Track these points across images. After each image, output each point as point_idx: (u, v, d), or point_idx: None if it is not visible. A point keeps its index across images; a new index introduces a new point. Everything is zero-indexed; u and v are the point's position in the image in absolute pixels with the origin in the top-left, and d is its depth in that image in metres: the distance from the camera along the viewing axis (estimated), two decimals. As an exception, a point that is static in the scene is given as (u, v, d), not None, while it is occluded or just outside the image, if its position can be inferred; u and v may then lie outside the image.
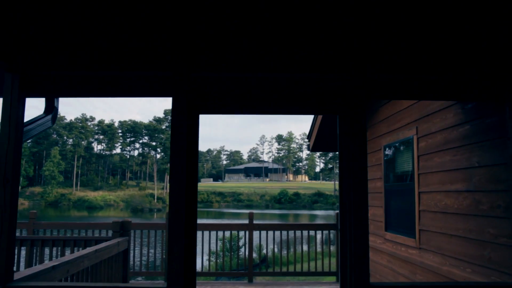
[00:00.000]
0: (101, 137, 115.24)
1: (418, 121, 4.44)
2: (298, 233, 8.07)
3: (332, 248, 8.25)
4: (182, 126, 2.59)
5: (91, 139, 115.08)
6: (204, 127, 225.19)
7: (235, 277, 8.55)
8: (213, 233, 8.07)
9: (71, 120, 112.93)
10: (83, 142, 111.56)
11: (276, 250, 14.42)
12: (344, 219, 2.58)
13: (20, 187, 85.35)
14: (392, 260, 5.41)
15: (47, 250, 5.58)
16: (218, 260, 12.56)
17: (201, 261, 8.17)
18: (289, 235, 7.93)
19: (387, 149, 5.41)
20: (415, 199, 4.43)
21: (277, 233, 8.19)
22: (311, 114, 2.74)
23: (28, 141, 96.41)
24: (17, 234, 8.15)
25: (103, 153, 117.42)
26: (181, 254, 2.47)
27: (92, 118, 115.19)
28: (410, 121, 4.61)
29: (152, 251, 8.01)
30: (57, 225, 8.20)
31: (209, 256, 7.91)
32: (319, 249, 8.11)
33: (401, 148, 4.97)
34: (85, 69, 2.64)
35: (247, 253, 8.02)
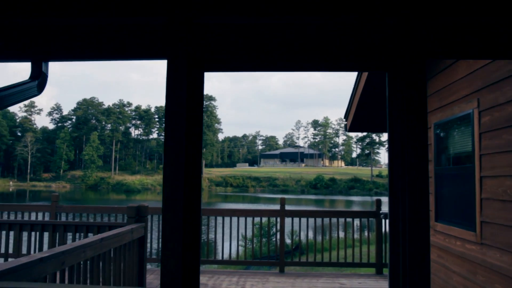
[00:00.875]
0: (138, 122, 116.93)
1: (481, 92, 3.68)
2: (334, 220, 7.41)
3: (371, 237, 7.55)
4: (182, 88, 1.99)
5: (128, 124, 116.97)
6: (239, 112, 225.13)
7: (265, 265, 8.02)
8: (242, 219, 7.51)
9: (109, 105, 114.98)
10: (121, 127, 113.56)
11: (310, 236, 13.80)
12: (395, 209, 1.92)
13: (61, 171, 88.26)
14: (443, 256, 4.70)
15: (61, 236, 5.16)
16: (247, 247, 12.07)
17: (229, 248, 7.66)
18: (324, 222, 7.27)
19: (438, 127, 4.66)
20: (475, 185, 3.69)
21: (311, 220, 7.56)
22: (348, 70, 2.07)
23: (69, 127, 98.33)
24: (40, 217, 7.85)
25: (141, 138, 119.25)
26: (178, 251, 1.89)
27: (129, 104, 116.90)
28: (469, 92, 3.85)
29: None
30: (79, 209, 7.84)
31: (237, 243, 7.37)
32: (356, 238, 7.44)
33: (457, 125, 4.22)
34: (57, 15, 2.07)
35: (278, 240, 7.45)
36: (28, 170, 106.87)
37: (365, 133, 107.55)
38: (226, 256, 8.48)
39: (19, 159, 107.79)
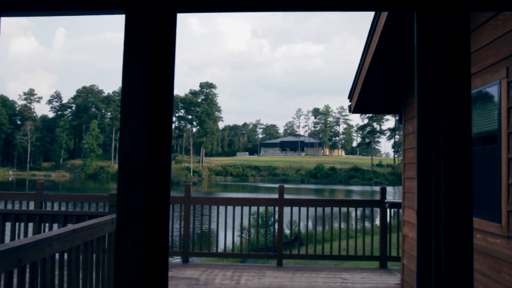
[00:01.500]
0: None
1: (510, 59, 3.18)
2: (335, 210, 6.95)
3: (375, 228, 7.09)
4: (145, 42, 1.51)
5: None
6: (239, 100, 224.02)
7: (262, 258, 7.57)
8: (238, 208, 7.05)
9: (108, 93, 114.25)
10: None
11: (310, 227, 13.35)
12: (426, 195, 1.43)
13: (61, 160, 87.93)
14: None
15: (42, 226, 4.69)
16: (243, 238, 11.63)
17: (224, 240, 7.21)
18: (325, 212, 6.80)
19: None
20: (501, 167, 3.19)
21: (311, 209, 7.09)
22: (364, 9, 1.55)
23: (69, 115, 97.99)
24: (24, 207, 7.39)
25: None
26: (137, 249, 1.42)
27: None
28: (496, 60, 3.34)
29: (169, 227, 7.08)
30: (66, 197, 7.38)
31: (233, 234, 6.91)
32: (359, 229, 6.98)
33: (480, 99, 3.73)
34: None
35: (276, 231, 7.00)
36: (28, 159, 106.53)
37: (366, 121, 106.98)
38: (221, 248, 8.03)
39: (19, 148, 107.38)
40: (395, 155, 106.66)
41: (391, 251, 6.81)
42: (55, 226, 4.46)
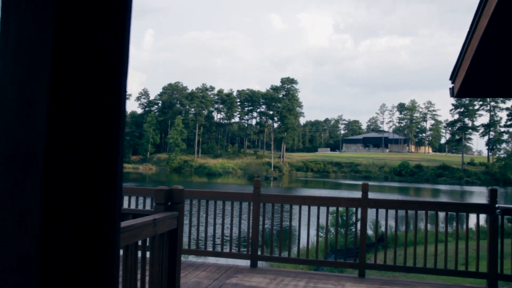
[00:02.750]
0: (221, 106, 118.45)
1: None
2: (431, 214, 5.80)
3: (482, 239, 5.82)
4: None
5: (211, 108, 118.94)
6: (321, 96, 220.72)
7: (341, 267, 6.58)
8: (314, 208, 6.14)
9: (192, 90, 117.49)
10: (204, 111, 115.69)
11: (400, 233, 11.96)
12: None
13: (148, 154, 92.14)
14: None
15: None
16: (320, 238, 10.61)
17: (298, 242, 6.33)
18: (418, 215, 5.67)
19: None
20: None
21: (401, 212, 5.99)
22: None
23: (155, 111, 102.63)
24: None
25: (223, 122, 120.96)
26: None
27: (212, 88, 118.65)
28: None
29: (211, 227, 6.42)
30: (128, 191, 6.90)
31: (308, 237, 6.01)
32: (461, 238, 5.76)
33: None
34: None
35: (358, 233, 6.00)
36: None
37: (456, 116, 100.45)
38: (294, 252, 7.14)
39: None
40: (489, 153, 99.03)
41: (503, 269, 5.53)
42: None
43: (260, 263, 6.60)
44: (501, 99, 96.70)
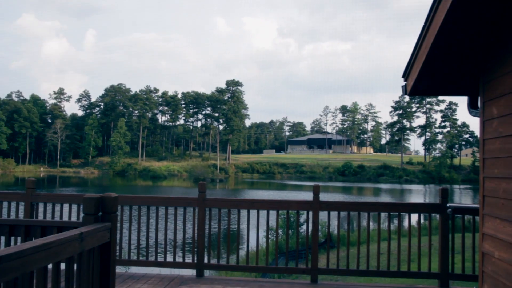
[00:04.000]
0: (165, 108, 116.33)
1: None
2: (383, 215, 5.63)
3: (433, 239, 5.70)
4: None
5: (155, 111, 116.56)
6: (266, 98, 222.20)
7: (294, 273, 6.26)
8: (263, 212, 5.81)
9: (136, 92, 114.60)
10: (148, 114, 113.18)
11: (352, 236, 11.84)
12: None
13: (90, 157, 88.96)
14: None
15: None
16: (270, 240, 10.28)
17: (246, 246, 5.97)
18: (370, 216, 5.47)
19: None
20: None
21: (353, 214, 5.77)
22: None
23: (97, 113, 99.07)
24: (13, 206, 6.33)
25: (167, 124, 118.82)
26: None
27: (156, 90, 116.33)
28: None
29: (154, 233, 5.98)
30: (60, 198, 6.27)
31: (257, 240, 5.66)
32: (414, 235, 5.62)
33: None
34: None
35: (309, 234, 5.72)
36: (58, 156, 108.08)
37: (395, 118, 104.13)
38: (242, 256, 6.79)
39: (50, 146, 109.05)
40: (426, 153, 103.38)
41: (453, 268, 5.43)
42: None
43: (207, 272, 6.19)
44: (436, 101, 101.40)
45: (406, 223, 13.42)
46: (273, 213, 5.95)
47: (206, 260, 5.83)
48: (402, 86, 5.03)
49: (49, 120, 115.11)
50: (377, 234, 5.54)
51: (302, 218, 11.42)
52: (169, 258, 5.97)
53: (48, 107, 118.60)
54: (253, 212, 5.87)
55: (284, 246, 10.85)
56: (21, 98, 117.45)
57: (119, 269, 6.70)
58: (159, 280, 5.57)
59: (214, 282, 5.48)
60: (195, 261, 5.79)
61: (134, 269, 6.59)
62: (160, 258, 5.97)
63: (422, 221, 8.87)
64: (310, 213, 5.66)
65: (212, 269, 6.01)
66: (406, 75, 4.85)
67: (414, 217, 9.77)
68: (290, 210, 5.77)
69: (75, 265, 2.87)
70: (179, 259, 5.95)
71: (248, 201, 5.86)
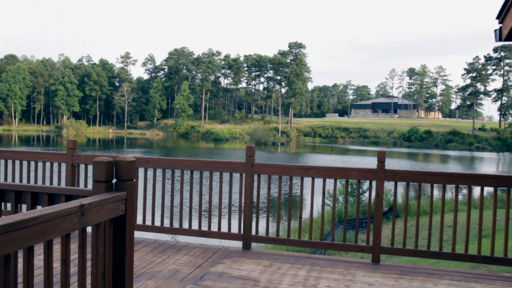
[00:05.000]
0: (228, 71, 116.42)
1: None
2: (465, 190, 4.75)
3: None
4: None
5: (218, 74, 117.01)
6: (330, 61, 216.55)
7: (352, 251, 5.53)
8: (319, 181, 5.10)
9: (198, 55, 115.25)
10: (210, 77, 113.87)
11: (423, 212, 10.84)
12: None
13: (155, 119, 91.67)
14: None
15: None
16: (328, 207, 9.56)
17: (299, 216, 5.31)
18: (446, 190, 4.59)
19: None
20: None
21: (425, 186, 4.92)
22: None
23: (161, 76, 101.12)
24: (55, 167, 6.03)
25: (230, 87, 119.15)
26: None
27: (219, 53, 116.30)
28: None
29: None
30: (100, 159, 5.86)
31: (312, 211, 4.97)
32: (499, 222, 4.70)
33: None
34: None
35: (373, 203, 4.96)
36: (125, 119, 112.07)
37: (468, 81, 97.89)
38: (295, 227, 6.13)
39: (117, 108, 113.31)
40: (501, 119, 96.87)
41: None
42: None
43: (255, 245, 5.62)
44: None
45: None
46: (330, 182, 5.22)
47: (253, 232, 5.24)
48: (495, 31, 4.03)
49: (117, 84, 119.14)
50: (454, 211, 4.67)
51: (365, 187, 10.57)
52: (214, 228, 5.44)
53: (115, 71, 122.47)
54: (308, 180, 5.17)
55: (342, 216, 10.11)
56: (91, 62, 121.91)
57: (162, 237, 6.29)
58: (202, 251, 5.07)
59: (262, 257, 4.89)
60: (241, 232, 5.22)
61: (179, 238, 6.16)
62: (204, 228, 5.45)
63: None
64: (374, 183, 4.86)
65: (260, 241, 5.40)
66: (502, 15, 3.85)
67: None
68: (350, 179, 4.98)
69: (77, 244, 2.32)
70: (224, 229, 5.40)
71: (302, 167, 5.14)
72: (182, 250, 5.08)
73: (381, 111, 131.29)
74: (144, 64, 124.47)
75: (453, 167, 43.14)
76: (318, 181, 5.18)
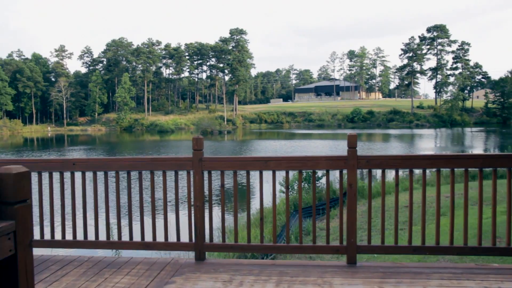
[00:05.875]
0: (169, 61, 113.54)
1: None
2: (445, 172, 4.15)
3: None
4: None
5: (159, 64, 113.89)
6: (271, 46, 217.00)
7: (323, 253, 4.83)
8: (280, 173, 4.36)
9: (138, 45, 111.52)
10: (151, 67, 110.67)
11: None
12: None
13: (96, 114, 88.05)
14: None
15: None
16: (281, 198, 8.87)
17: (260, 220, 4.54)
18: (429, 174, 3.97)
19: None
20: None
21: (403, 172, 4.30)
22: None
23: (100, 69, 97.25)
24: None
25: (172, 77, 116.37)
26: None
27: (159, 43, 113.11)
28: None
29: None
30: None
31: (274, 210, 4.22)
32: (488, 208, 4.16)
33: None
34: None
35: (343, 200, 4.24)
36: (64, 115, 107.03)
37: (405, 61, 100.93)
38: (254, 234, 5.37)
39: (55, 104, 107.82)
40: (437, 96, 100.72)
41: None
42: None
43: (208, 256, 4.80)
44: (447, 42, 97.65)
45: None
46: (291, 176, 4.48)
47: (207, 239, 4.42)
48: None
49: (53, 79, 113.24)
50: (436, 198, 4.07)
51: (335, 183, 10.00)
52: (160, 238, 4.56)
53: (50, 66, 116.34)
54: (267, 174, 4.40)
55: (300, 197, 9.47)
56: (22, 57, 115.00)
57: (97, 254, 5.34)
58: (147, 267, 4.20)
59: (219, 269, 4.09)
60: (193, 241, 4.39)
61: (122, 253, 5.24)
62: (148, 238, 4.56)
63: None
64: (345, 172, 4.17)
65: (215, 250, 4.61)
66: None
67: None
68: (318, 169, 4.25)
69: None
70: (172, 239, 4.53)
71: (260, 159, 4.35)
72: (122, 269, 4.19)
73: (324, 94, 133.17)
74: (81, 57, 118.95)
75: (398, 145, 43.99)
76: (279, 174, 4.43)
